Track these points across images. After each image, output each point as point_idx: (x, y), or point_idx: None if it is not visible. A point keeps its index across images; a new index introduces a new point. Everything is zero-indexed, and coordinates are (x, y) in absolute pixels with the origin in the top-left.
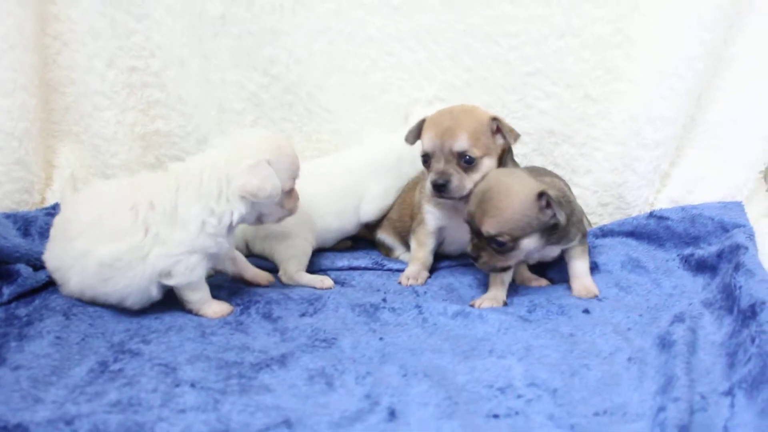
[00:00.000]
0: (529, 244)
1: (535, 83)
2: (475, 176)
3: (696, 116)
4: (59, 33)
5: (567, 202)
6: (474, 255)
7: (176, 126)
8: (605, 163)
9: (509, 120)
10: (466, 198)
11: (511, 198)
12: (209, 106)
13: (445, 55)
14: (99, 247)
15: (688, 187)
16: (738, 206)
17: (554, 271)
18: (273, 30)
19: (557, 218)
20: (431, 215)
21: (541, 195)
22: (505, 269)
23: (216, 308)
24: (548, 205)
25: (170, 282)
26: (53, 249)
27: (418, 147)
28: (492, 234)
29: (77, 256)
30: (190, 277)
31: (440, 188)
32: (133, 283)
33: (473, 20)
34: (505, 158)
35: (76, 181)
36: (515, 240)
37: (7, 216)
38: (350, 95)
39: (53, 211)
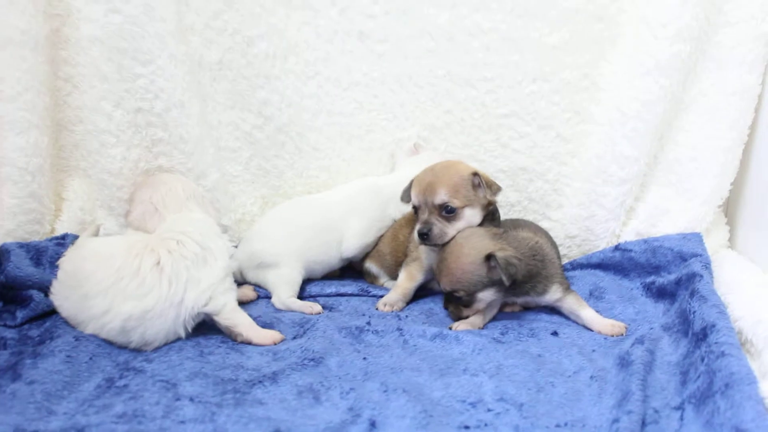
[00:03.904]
0: (486, 296)
1: (510, 124)
2: (459, 224)
3: (658, 155)
4: (69, 76)
5: (531, 260)
6: (444, 306)
7: (177, 162)
8: (574, 198)
9: (486, 157)
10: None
11: (462, 260)
12: (207, 145)
13: (426, 98)
14: (123, 305)
15: (651, 220)
16: (697, 237)
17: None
18: (266, 75)
19: (504, 279)
20: (426, 254)
21: (488, 257)
22: (468, 316)
23: (267, 334)
24: (496, 265)
25: (215, 310)
26: (66, 297)
27: (401, 190)
28: (448, 290)
29: (97, 314)
30: (231, 297)
31: (424, 236)
32: (164, 329)
33: (452, 66)
34: (493, 207)
35: (98, 229)
36: (470, 294)
37: (21, 246)
38: (338, 135)
39: (63, 240)
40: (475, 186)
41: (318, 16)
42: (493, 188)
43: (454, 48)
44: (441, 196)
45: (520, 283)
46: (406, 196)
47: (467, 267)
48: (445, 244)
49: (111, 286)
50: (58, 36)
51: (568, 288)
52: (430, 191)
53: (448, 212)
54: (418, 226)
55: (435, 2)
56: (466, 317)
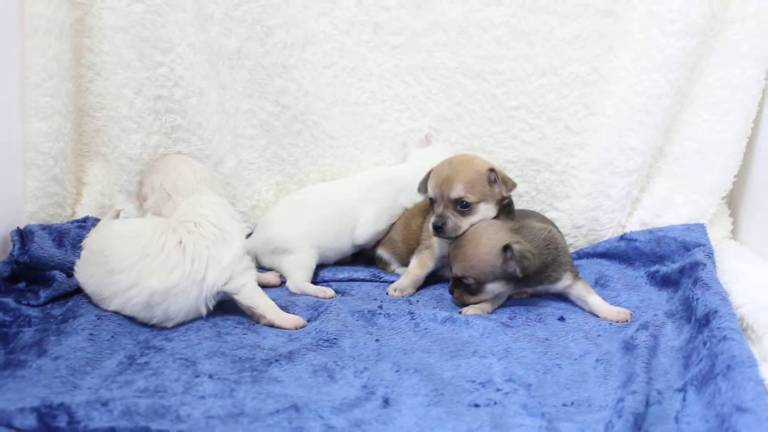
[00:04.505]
0: (494, 288)
1: (520, 116)
2: (473, 218)
3: (664, 147)
4: (92, 63)
5: (545, 250)
6: (450, 290)
7: (195, 149)
8: (582, 189)
9: (496, 149)
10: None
11: (479, 248)
12: (225, 132)
13: (438, 90)
14: (148, 280)
15: (656, 211)
16: (700, 228)
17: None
18: (284, 64)
19: (516, 271)
20: (438, 243)
21: (506, 248)
22: (471, 304)
23: (290, 318)
24: (512, 257)
25: (235, 289)
26: (91, 275)
27: (414, 181)
28: (459, 276)
29: (122, 289)
30: (250, 276)
31: (438, 229)
32: (186, 305)
33: (464, 59)
34: (508, 201)
35: (118, 213)
36: (479, 283)
37: (43, 228)
38: (352, 124)
39: (84, 223)
40: (491, 182)
41: (335, 8)
42: (509, 184)
43: (466, 41)
44: (457, 191)
45: (534, 275)
46: (423, 188)
47: (483, 256)
48: (458, 236)
49: (137, 263)
50: (81, 25)
51: (577, 275)
52: (446, 185)
53: (464, 207)
54: (433, 219)
55: None
56: (469, 304)
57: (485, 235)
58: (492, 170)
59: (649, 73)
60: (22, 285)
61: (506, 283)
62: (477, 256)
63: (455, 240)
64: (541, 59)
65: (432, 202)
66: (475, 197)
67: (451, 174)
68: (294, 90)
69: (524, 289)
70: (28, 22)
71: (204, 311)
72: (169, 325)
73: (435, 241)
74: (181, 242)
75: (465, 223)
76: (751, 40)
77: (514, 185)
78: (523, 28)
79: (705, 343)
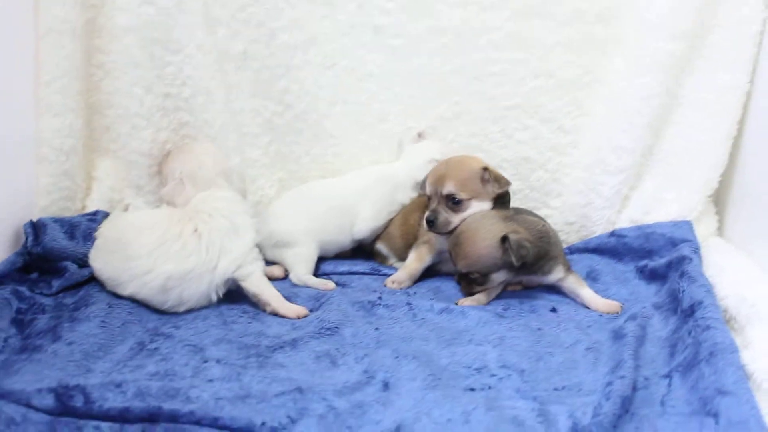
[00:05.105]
0: (499, 277)
1: (515, 117)
2: (464, 214)
3: (653, 147)
4: (102, 63)
5: (539, 242)
6: (457, 280)
7: None
8: (574, 187)
9: (491, 148)
10: (452, 232)
11: (477, 243)
12: (230, 130)
13: (436, 91)
14: (165, 265)
15: (645, 208)
16: (687, 224)
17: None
18: (287, 65)
19: (514, 260)
20: (437, 238)
21: (504, 239)
22: (478, 293)
23: (294, 308)
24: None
25: (242, 276)
26: (107, 262)
27: (411, 178)
28: (463, 272)
29: (139, 273)
30: (258, 267)
31: (430, 223)
32: (198, 291)
33: (461, 61)
34: (504, 199)
35: (127, 207)
36: (484, 275)
37: (55, 220)
38: (352, 123)
39: (94, 216)
40: (485, 180)
41: (337, 11)
42: (502, 182)
43: (463, 44)
44: (448, 188)
45: (530, 265)
46: (423, 186)
47: (483, 250)
48: (451, 231)
49: (155, 249)
50: (93, 25)
51: (569, 269)
52: (440, 182)
53: (455, 203)
54: (426, 214)
55: (447, 1)
56: (476, 293)
57: (482, 229)
58: (485, 169)
59: (640, 75)
60: (34, 275)
61: (508, 272)
62: (477, 252)
63: (453, 236)
64: (535, 62)
65: (428, 199)
66: (467, 194)
67: (446, 172)
68: (297, 90)
69: (519, 279)
70: (43, 23)
71: (214, 298)
72: (181, 309)
73: (433, 236)
74: (196, 230)
75: (456, 218)
76: (737, 46)
77: (507, 183)
78: (518, 32)
79: (690, 332)
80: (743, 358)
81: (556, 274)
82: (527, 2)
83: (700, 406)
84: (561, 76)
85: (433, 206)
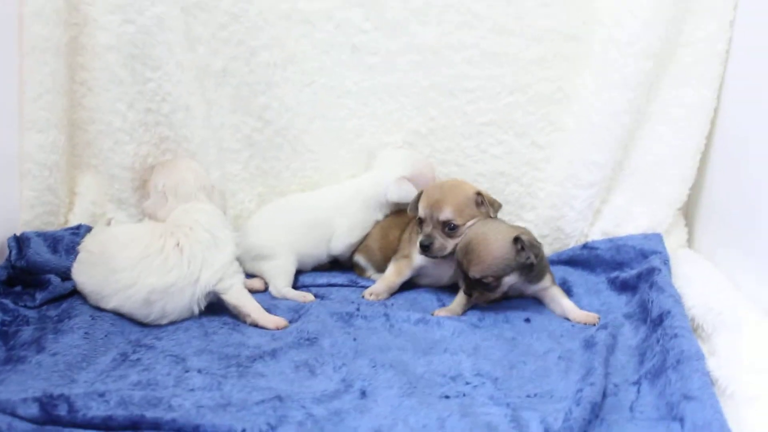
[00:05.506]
0: (510, 280)
1: (489, 132)
2: (458, 240)
3: (623, 161)
4: (84, 80)
5: (538, 244)
6: (468, 292)
7: None
8: (547, 200)
9: (467, 162)
10: (447, 256)
11: (491, 247)
12: (211, 145)
13: (412, 107)
14: (148, 278)
15: (616, 221)
16: (657, 237)
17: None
18: (267, 82)
19: (531, 258)
20: (418, 255)
21: (516, 240)
22: (495, 300)
23: (273, 319)
24: (523, 247)
25: (223, 289)
26: (90, 275)
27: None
28: (477, 278)
29: (122, 287)
30: (238, 279)
31: (425, 248)
32: (180, 304)
33: (437, 78)
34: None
35: (110, 221)
36: (498, 279)
37: (39, 234)
38: (330, 138)
39: (77, 230)
40: (478, 204)
41: (315, 30)
42: (495, 206)
43: (438, 61)
44: (446, 214)
45: (535, 267)
46: (413, 209)
47: (497, 253)
48: (444, 257)
49: (138, 262)
50: (75, 43)
51: (553, 280)
52: (436, 208)
53: (451, 229)
54: (420, 238)
55: (421, 20)
56: (491, 300)
57: (491, 233)
58: (479, 194)
59: (609, 92)
60: (18, 288)
61: (519, 275)
62: (491, 254)
63: (462, 246)
64: (509, 79)
65: (420, 221)
66: (463, 220)
67: (441, 198)
68: (276, 106)
69: (518, 286)
70: (27, 41)
71: (196, 310)
72: (164, 322)
73: (414, 251)
74: (178, 244)
75: (451, 243)
76: (703, 63)
77: (500, 206)
78: (492, 49)
79: (658, 341)
80: (709, 365)
81: (545, 282)
82: (501, 20)
83: (667, 411)
84: (534, 93)
85: (428, 231)
